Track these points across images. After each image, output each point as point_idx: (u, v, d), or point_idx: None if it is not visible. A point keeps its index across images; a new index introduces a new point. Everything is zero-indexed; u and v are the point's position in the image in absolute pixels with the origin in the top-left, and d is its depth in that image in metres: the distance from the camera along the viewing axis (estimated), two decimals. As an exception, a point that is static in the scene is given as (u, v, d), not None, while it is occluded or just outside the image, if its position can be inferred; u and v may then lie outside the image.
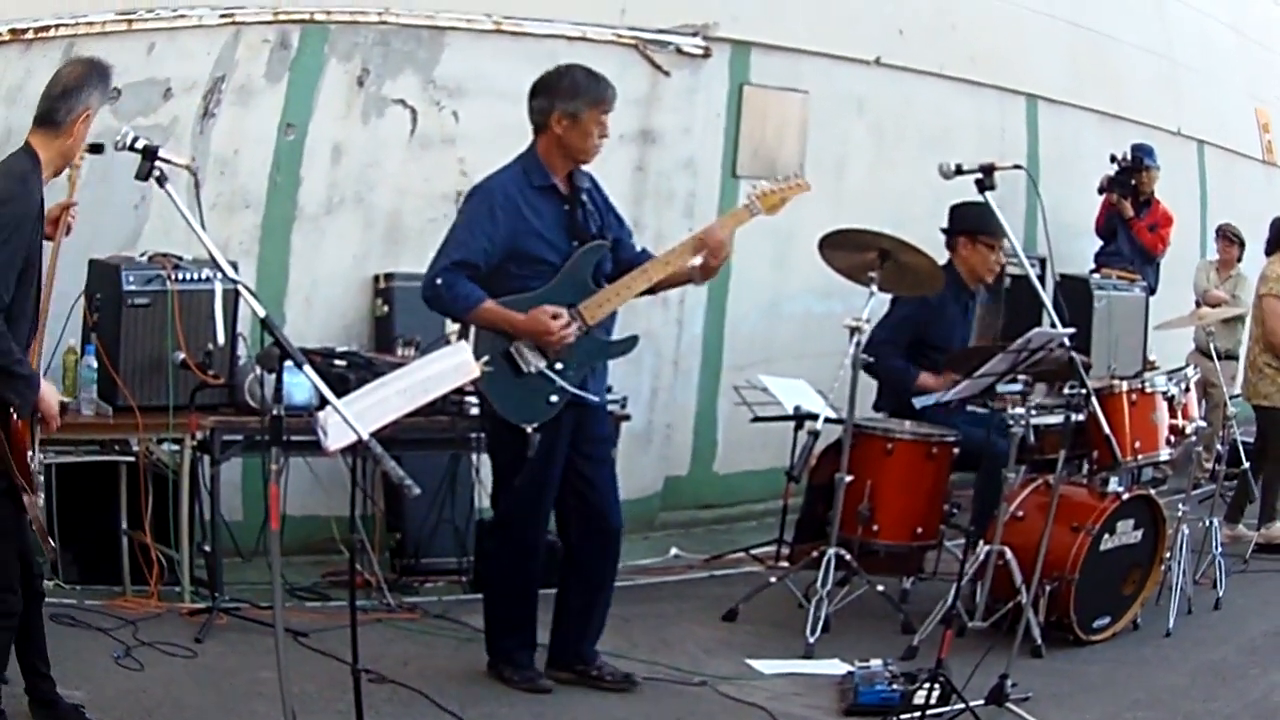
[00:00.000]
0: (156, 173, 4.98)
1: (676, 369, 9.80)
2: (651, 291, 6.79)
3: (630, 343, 6.89)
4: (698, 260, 6.69)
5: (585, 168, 6.65)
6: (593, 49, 9.16)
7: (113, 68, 5.32)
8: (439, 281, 6.38)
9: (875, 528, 8.00)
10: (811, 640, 7.48)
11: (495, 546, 6.81)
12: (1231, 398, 10.91)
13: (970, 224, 8.66)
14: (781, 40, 10.43)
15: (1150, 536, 8.24)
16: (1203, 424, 8.88)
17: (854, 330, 7.69)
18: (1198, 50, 14.97)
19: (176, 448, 7.11)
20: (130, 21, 7.67)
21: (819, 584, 7.64)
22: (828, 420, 7.95)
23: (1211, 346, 10.54)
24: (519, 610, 6.67)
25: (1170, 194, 13.06)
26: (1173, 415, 8.39)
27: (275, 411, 4.92)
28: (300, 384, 5.32)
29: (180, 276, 7.05)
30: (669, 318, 9.62)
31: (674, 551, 9.69)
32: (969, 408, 8.29)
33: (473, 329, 6.50)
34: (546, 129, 6.52)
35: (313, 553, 8.20)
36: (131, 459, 7.11)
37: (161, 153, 5.00)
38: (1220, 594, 8.91)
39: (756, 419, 9.05)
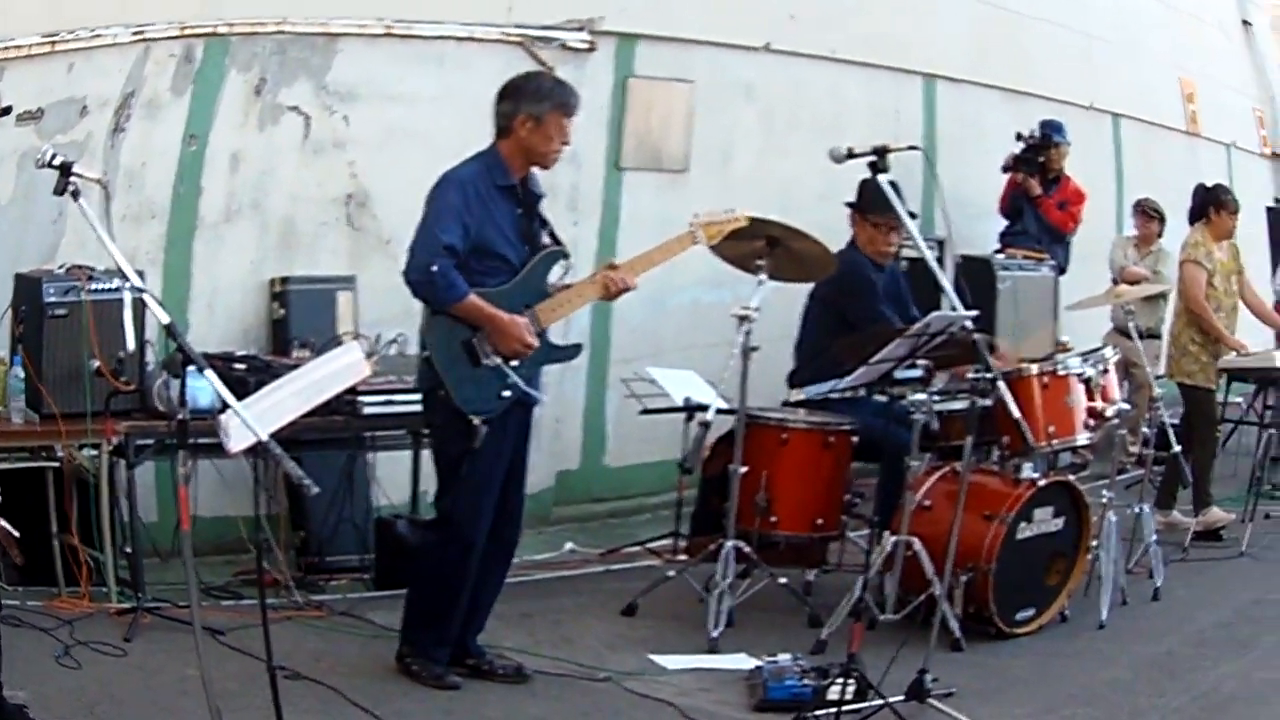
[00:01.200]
0: (71, 187, 5.73)
1: (564, 363, 10.44)
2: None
3: (575, 350, 7.85)
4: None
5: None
6: (480, 48, 10.32)
7: None
8: (435, 268, 7.06)
9: (774, 519, 8.68)
10: (715, 635, 8.17)
11: (435, 542, 7.46)
12: (1157, 378, 11.34)
13: (861, 201, 9.43)
14: (668, 31, 11.50)
15: (1073, 524, 8.81)
16: (1125, 406, 9.34)
17: (743, 319, 8.32)
18: (1117, 21, 16.04)
19: (96, 453, 8.03)
20: (54, 43, 8.61)
21: (719, 577, 8.33)
22: (719, 411, 8.49)
23: (1131, 326, 10.94)
24: (446, 607, 7.38)
25: (1083, 170, 14.16)
26: (1090, 398, 8.99)
27: (181, 415, 5.62)
28: (204, 388, 5.91)
29: (94, 287, 8.03)
30: (555, 311, 10.51)
31: (569, 546, 10.53)
32: (874, 396, 8.95)
33: (429, 315, 7.26)
34: (510, 132, 7.30)
35: (224, 552, 9.09)
36: (57, 465, 8.07)
37: (75, 168, 5.76)
38: (1158, 584, 9.55)
39: (646, 411, 9.91)
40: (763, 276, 8.58)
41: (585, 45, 10.90)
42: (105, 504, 8.02)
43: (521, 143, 7.32)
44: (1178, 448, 10.24)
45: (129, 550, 8.12)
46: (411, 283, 7.19)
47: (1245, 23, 19.93)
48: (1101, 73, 15.95)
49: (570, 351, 7.83)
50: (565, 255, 7.57)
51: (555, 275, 7.51)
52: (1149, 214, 13.93)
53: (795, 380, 9.66)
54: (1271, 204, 18.48)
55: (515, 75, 7.54)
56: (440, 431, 7.48)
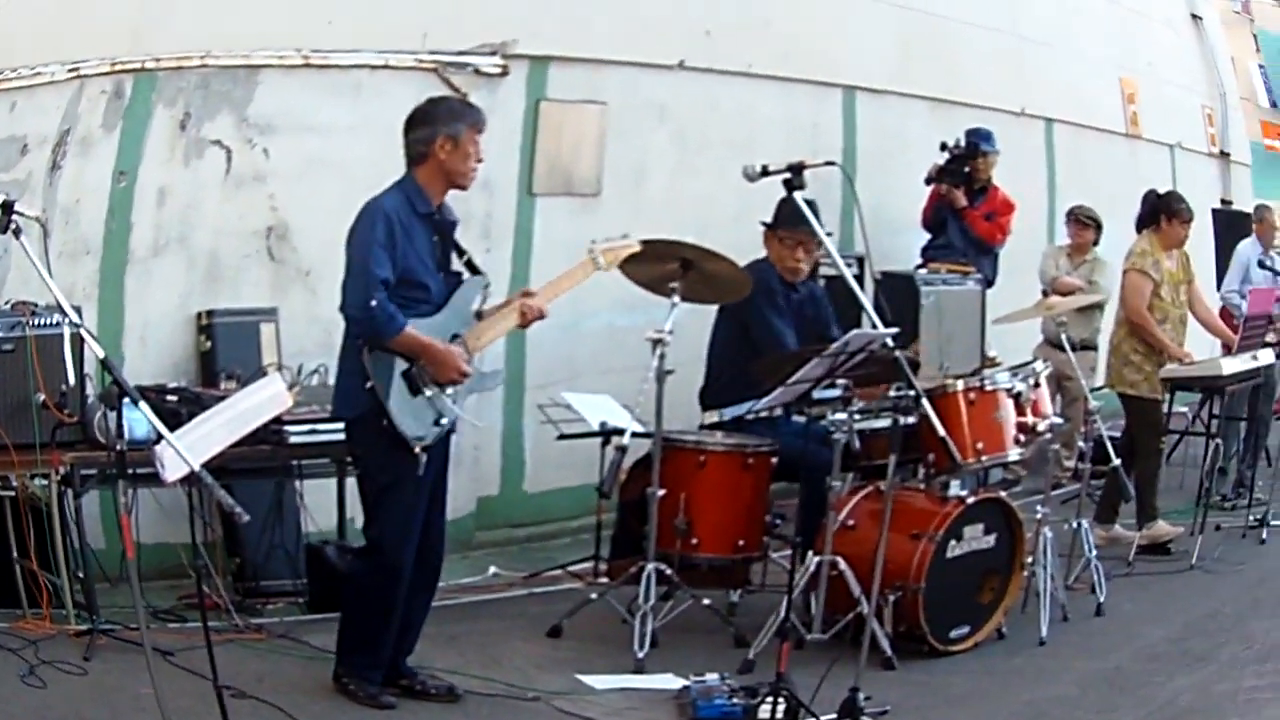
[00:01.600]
0: (14, 225, 6.44)
1: (489, 390, 10.49)
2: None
3: (498, 376, 8.78)
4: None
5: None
6: (394, 76, 11.37)
7: None
8: (374, 303, 7.76)
9: (694, 541, 9.44)
10: (641, 655, 8.93)
11: (364, 569, 8.27)
12: (1094, 390, 12.15)
13: (774, 217, 10.19)
14: (581, 52, 12.55)
15: (1006, 541, 9.47)
16: (1058, 420, 10.03)
17: (657, 343, 9.11)
18: (1051, 22, 17.23)
19: (46, 482, 8.93)
20: (-1, 82, 9.51)
21: (641, 599, 9.07)
22: (635, 434, 9.33)
23: (1064, 337, 11.31)
24: (377, 630, 8.19)
25: (1014, 178, 15.27)
26: (1020, 413, 9.65)
27: (119, 447, 6.31)
28: (141, 420, 6.56)
29: (36, 322, 9.09)
30: (468, 338, 10.91)
31: (492, 570, 11.51)
32: (793, 416, 9.70)
33: (362, 345, 7.91)
34: (429, 157, 8.04)
35: (167, 577, 10.00)
36: (12, 494, 8.99)
37: (17, 206, 6.49)
38: (1101, 599, 10.20)
39: (562, 436, 10.81)
40: (675, 299, 9.37)
41: (498, 70, 11.98)
42: (58, 531, 8.97)
43: (441, 166, 8.09)
44: (1117, 461, 10.92)
45: (81, 575, 9.10)
46: (351, 319, 7.98)
47: (1195, 17, 21.07)
48: (1034, 77, 17.01)
49: (496, 378, 8.85)
50: (488, 284, 8.40)
51: (476, 304, 8.31)
52: (1083, 222, 14.75)
53: (706, 398, 10.52)
54: (1218, 205, 19.63)
55: (420, 103, 8.31)
56: (370, 460, 8.26)
